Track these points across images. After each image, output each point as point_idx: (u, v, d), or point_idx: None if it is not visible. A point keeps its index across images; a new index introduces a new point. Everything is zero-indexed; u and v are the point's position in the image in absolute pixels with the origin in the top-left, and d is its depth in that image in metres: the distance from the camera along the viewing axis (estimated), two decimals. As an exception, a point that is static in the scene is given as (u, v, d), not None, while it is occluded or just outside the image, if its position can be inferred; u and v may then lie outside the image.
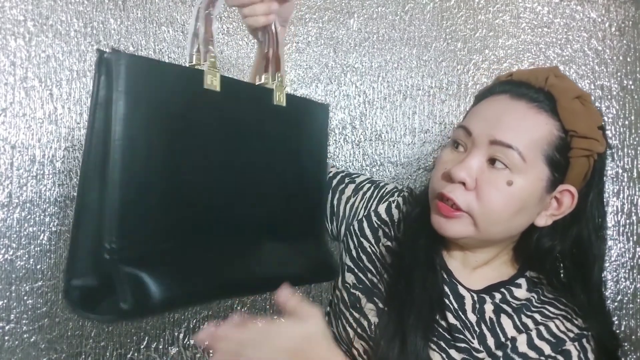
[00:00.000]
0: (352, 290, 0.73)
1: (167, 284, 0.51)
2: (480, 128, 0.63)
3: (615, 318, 1.09)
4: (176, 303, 0.55)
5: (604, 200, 0.67)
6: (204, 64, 0.58)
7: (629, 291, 1.10)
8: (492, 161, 0.62)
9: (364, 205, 0.78)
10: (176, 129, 0.55)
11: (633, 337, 1.10)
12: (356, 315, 0.70)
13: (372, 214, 0.78)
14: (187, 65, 0.58)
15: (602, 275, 0.68)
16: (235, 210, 0.60)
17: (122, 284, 0.49)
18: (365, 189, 0.80)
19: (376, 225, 0.77)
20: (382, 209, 0.78)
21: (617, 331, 1.10)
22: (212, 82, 0.58)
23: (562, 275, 0.69)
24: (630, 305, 1.10)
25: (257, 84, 0.65)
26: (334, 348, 0.59)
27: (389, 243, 0.75)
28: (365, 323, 0.69)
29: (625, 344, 1.10)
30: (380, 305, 0.69)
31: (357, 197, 0.79)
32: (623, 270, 1.10)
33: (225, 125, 0.59)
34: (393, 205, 0.78)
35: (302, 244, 0.67)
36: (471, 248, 0.69)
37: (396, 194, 0.79)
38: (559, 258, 0.68)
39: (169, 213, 0.53)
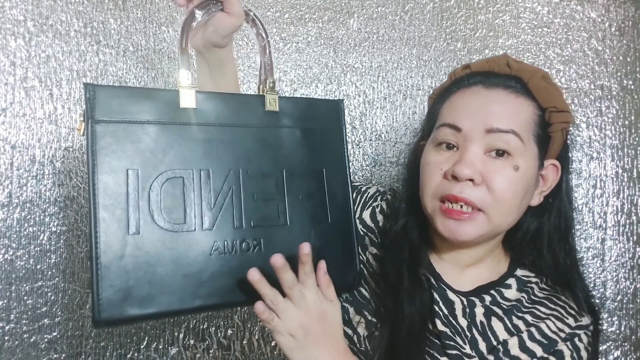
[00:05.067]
0: (343, 303, 0.71)
1: None
2: (470, 121, 0.62)
3: (615, 318, 1.09)
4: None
5: (572, 168, 0.71)
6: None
7: (629, 291, 1.10)
8: (490, 151, 0.62)
9: None
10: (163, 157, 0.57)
11: (633, 337, 1.10)
12: (345, 329, 0.69)
13: (357, 221, 0.76)
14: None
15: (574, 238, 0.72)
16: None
17: None
18: None
19: (362, 232, 0.76)
20: (366, 215, 0.77)
21: (617, 331, 1.10)
22: (188, 100, 0.59)
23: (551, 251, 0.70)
24: (630, 305, 1.10)
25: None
26: (342, 335, 0.62)
27: (376, 251, 0.73)
28: (355, 337, 0.68)
29: (625, 344, 1.10)
30: (369, 317, 0.68)
31: None
32: (623, 270, 1.10)
33: (211, 141, 0.60)
34: (377, 210, 0.77)
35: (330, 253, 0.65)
36: (469, 245, 0.67)
37: (379, 198, 0.78)
38: (549, 235, 0.69)
39: None
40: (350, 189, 0.68)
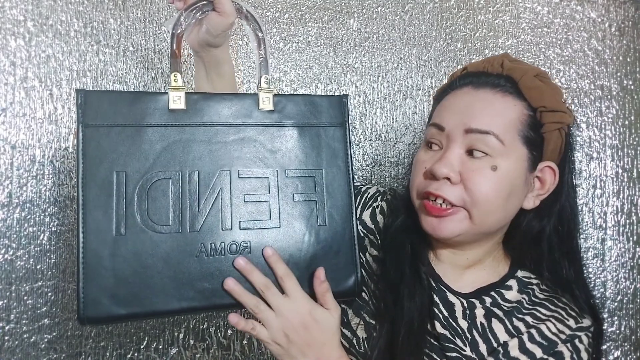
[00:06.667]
0: (342, 305, 0.70)
1: None
2: (452, 121, 0.63)
3: (615, 318, 1.10)
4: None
5: (574, 171, 0.69)
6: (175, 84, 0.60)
7: (629, 291, 1.10)
8: (470, 151, 0.62)
9: None
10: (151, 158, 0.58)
11: (633, 337, 1.10)
12: (344, 331, 0.69)
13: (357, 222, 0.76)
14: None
15: (580, 246, 0.70)
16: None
17: None
18: None
19: (362, 234, 0.76)
20: (366, 216, 0.77)
21: (617, 331, 1.10)
22: (177, 102, 0.60)
23: (552, 255, 0.68)
24: (630, 305, 1.10)
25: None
26: (339, 343, 0.62)
27: (375, 252, 0.73)
28: (354, 339, 0.68)
29: (625, 344, 1.10)
30: (368, 319, 0.68)
31: None
32: (623, 270, 1.10)
33: (200, 142, 0.60)
34: (377, 211, 0.76)
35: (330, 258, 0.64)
36: (462, 246, 0.67)
37: (379, 198, 0.78)
38: (550, 239, 0.68)
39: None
40: (353, 191, 0.66)
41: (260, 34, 0.64)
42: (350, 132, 0.68)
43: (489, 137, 0.60)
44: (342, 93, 1.06)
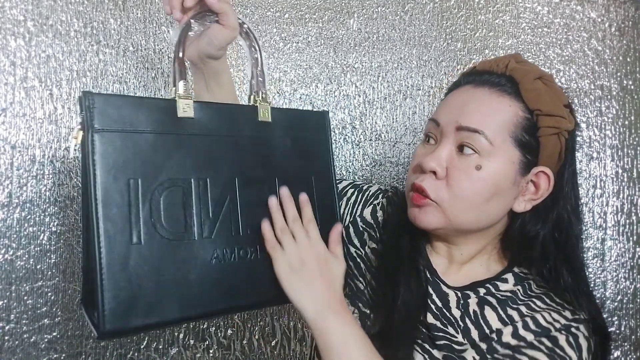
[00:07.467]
0: None
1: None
2: (446, 117, 0.64)
3: (615, 318, 1.10)
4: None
5: (577, 178, 0.68)
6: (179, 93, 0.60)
7: (629, 291, 1.10)
8: (460, 148, 0.62)
9: (349, 212, 0.78)
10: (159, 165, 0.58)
11: (633, 337, 1.10)
12: None
13: (358, 219, 0.78)
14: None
15: (583, 254, 0.69)
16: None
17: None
18: (349, 194, 0.80)
19: (361, 229, 0.77)
20: (367, 212, 0.78)
21: (617, 331, 1.10)
22: (186, 110, 0.60)
23: (547, 262, 0.66)
24: (630, 305, 1.10)
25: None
26: (342, 297, 0.64)
27: (374, 245, 0.74)
28: None
29: (625, 344, 1.10)
30: (363, 309, 0.69)
31: (341, 204, 0.79)
32: (623, 270, 1.10)
33: (208, 150, 0.61)
34: (378, 208, 0.78)
35: None
36: (453, 241, 0.68)
37: (380, 196, 0.79)
38: (544, 244, 0.66)
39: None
40: (336, 195, 0.72)
41: (258, 50, 0.67)
42: (332, 143, 0.73)
43: (478, 136, 0.61)
44: (342, 93, 1.06)
